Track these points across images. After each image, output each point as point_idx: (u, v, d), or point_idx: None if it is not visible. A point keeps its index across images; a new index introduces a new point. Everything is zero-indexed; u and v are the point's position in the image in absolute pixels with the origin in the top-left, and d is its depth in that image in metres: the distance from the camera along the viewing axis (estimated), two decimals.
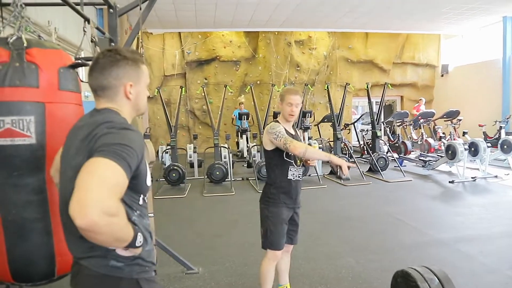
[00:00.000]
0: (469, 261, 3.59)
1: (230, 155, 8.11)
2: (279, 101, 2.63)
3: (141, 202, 1.28)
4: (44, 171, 1.70)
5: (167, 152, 8.33)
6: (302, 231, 4.52)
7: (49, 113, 1.69)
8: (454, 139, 9.61)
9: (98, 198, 0.97)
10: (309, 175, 7.96)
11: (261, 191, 2.72)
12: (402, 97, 15.37)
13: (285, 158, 2.53)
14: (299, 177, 2.61)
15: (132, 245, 1.13)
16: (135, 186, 1.20)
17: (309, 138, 10.02)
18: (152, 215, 3.04)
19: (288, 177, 2.56)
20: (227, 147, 8.27)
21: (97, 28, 2.77)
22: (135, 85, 1.31)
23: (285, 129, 2.54)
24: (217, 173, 7.56)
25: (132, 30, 3.12)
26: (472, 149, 7.55)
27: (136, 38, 3.52)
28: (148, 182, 1.30)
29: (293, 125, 2.70)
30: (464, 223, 4.74)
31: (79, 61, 1.90)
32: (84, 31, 2.46)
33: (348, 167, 2.36)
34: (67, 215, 1.23)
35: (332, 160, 2.44)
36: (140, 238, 1.16)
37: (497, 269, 3.39)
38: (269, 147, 2.55)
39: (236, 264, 3.68)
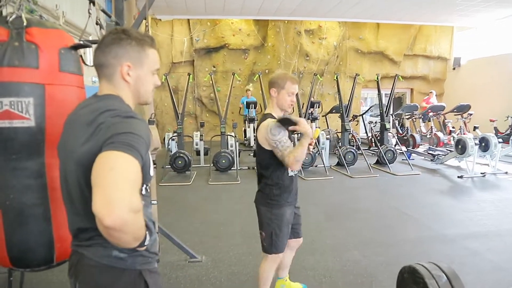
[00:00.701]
0: (477, 258, 3.52)
1: (237, 143, 8.06)
2: (274, 88, 2.34)
3: (144, 191, 1.23)
4: (43, 155, 1.65)
5: (173, 139, 8.30)
6: (307, 222, 4.49)
7: (49, 95, 1.63)
8: (464, 134, 9.45)
9: (124, 195, 0.92)
10: (316, 166, 7.89)
11: None
12: (412, 90, 15.15)
13: None
14: (295, 172, 2.46)
15: (141, 244, 1.08)
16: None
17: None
18: (155, 202, 3.02)
19: (290, 174, 2.41)
20: (233, 135, 8.22)
21: (103, 11, 2.70)
22: (135, 67, 1.22)
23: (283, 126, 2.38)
24: (223, 161, 7.52)
25: (138, 15, 3.05)
26: (483, 144, 7.43)
27: (145, 25, 3.45)
28: (151, 171, 1.25)
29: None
30: (472, 219, 4.65)
31: (81, 42, 1.83)
32: (89, 13, 2.40)
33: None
34: (70, 202, 1.19)
35: (309, 134, 2.20)
36: (148, 236, 1.11)
37: (506, 267, 3.32)
38: (268, 146, 2.29)
39: (240, 253, 3.65)
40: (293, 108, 2.40)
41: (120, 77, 1.21)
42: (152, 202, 3.11)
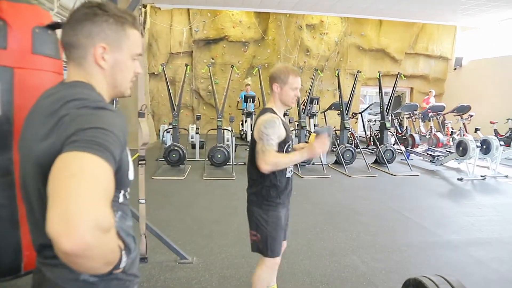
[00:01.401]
0: (482, 267, 3.36)
1: (233, 138, 7.87)
2: (276, 83, 2.18)
3: (121, 199, 1.02)
4: (11, 149, 1.44)
5: (168, 132, 8.10)
6: (304, 223, 4.36)
7: (18, 81, 1.42)
8: (464, 135, 9.30)
9: (89, 209, 0.71)
10: (313, 164, 7.73)
11: None
12: (412, 89, 14.99)
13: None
14: (291, 170, 2.28)
15: (116, 267, 0.86)
16: (115, 181, 0.89)
17: (315, 125, 9.76)
18: (143, 201, 2.82)
19: (287, 175, 2.23)
20: (230, 129, 8.02)
21: None
22: (112, 50, 1.01)
23: (284, 121, 2.19)
24: (219, 156, 7.33)
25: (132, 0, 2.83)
26: (484, 146, 7.28)
27: (144, 13, 3.22)
28: (131, 174, 1.02)
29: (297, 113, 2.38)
30: (475, 224, 4.50)
31: (60, 21, 1.62)
32: None
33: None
34: (30, 211, 0.99)
35: (308, 155, 2.09)
36: (124, 257, 0.89)
37: None
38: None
39: (232, 255, 3.47)
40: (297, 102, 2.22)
41: (92, 60, 1.00)
42: (140, 201, 2.94)
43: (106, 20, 0.98)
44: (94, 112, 0.88)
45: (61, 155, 0.77)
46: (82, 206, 0.70)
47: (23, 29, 1.44)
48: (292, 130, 2.31)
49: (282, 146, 2.15)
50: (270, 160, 2.00)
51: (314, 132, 2.17)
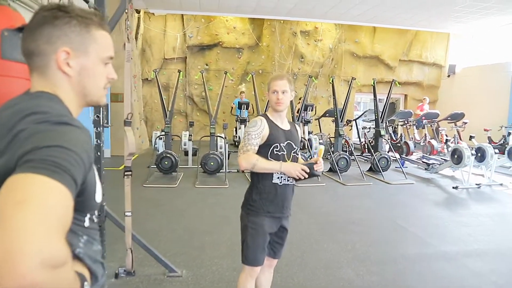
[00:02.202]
0: (480, 280, 3.27)
1: (227, 145, 7.76)
2: (267, 91, 2.27)
3: (87, 223, 0.90)
4: None
5: (161, 138, 7.98)
6: (298, 233, 4.24)
7: None
8: (458, 143, 9.28)
9: (38, 243, 0.60)
10: None
11: None
12: (406, 96, 15.00)
13: (269, 158, 2.13)
14: (288, 180, 2.17)
15: None
16: (79, 204, 0.80)
17: (309, 133, 9.69)
18: (129, 214, 2.70)
19: (273, 181, 2.14)
20: (223, 136, 7.91)
21: None
22: (77, 55, 0.90)
23: (275, 125, 2.18)
24: (212, 163, 7.22)
25: (120, 3, 2.72)
26: (479, 154, 7.23)
27: (137, 18, 3.12)
28: (98, 197, 0.90)
29: (291, 120, 2.31)
30: (471, 235, 4.42)
31: None
32: None
33: (310, 170, 2.11)
34: None
35: (285, 170, 2.10)
36: (87, 287, 0.78)
37: None
38: None
39: (224, 268, 3.35)
40: (283, 106, 2.18)
41: (56, 68, 0.89)
42: (126, 213, 2.81)
43: (68, 22, 0.88)
44: (55, 128, 0.77)
45: (11, 177, 0.66)
46: (27, 239, 0.59)
47: None
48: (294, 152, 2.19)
49: (267, 148, 2.15)
50: (246, 157, 2.09)
51: (320, 144, 2.16)
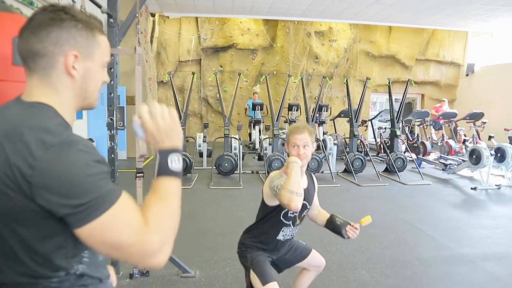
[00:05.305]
0: (498, 284, 3.19)
1: (241, 146, 7.78)
2: (286, 144, 2.20)
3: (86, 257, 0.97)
4: None
5: None
6: (312, 234, 4.21)
7: None
8: (477, 143, 9.09)
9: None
10: (322, 172, 7.59)
11: None
12: (423, 96, 14.77)
13: (281, 218, 2.14)
14: (291, 236, 2.25)
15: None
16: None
17: (324, 133, 9.62)
18: None
19: (278, 238, 2.19)
20: (237, 138, 7.93)
21: (91, 0, 2.43)
22: (84, 59, 0.91)
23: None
24: (226, 164, 7.24)
25: (132, 8, 2.76)
26: (498, 154, 7.07)
27: (152, 22, 3.16)
28: None
29: (307, 171, 2.25)
30: (490, 237, 4.32)
31: None
32: (73, 1, 2.13)
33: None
34: None
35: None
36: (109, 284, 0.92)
37: None
38: (269, 201, 2.15)
39: (236, 269, 3.36)
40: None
41: (63, 71, 0.89)
42: None
43: (75, 25, 0.89)
44: (70, 152, 0.80)
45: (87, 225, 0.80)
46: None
47: (3, 39, 1.36)
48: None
49: (281, 209, 2.12)
50: (284, 193, 1.90)
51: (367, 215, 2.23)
